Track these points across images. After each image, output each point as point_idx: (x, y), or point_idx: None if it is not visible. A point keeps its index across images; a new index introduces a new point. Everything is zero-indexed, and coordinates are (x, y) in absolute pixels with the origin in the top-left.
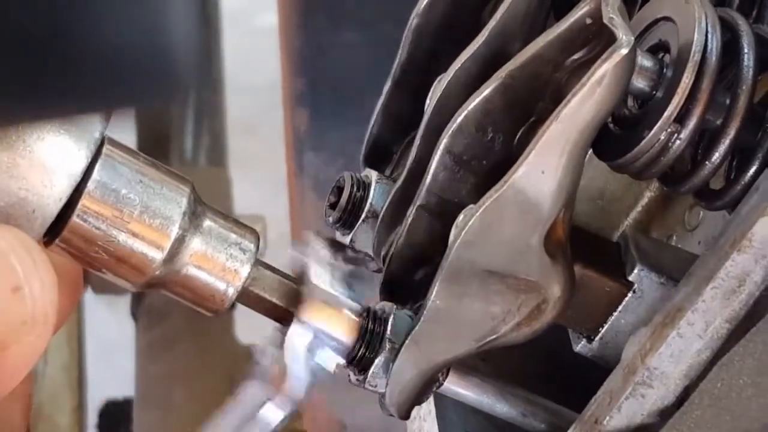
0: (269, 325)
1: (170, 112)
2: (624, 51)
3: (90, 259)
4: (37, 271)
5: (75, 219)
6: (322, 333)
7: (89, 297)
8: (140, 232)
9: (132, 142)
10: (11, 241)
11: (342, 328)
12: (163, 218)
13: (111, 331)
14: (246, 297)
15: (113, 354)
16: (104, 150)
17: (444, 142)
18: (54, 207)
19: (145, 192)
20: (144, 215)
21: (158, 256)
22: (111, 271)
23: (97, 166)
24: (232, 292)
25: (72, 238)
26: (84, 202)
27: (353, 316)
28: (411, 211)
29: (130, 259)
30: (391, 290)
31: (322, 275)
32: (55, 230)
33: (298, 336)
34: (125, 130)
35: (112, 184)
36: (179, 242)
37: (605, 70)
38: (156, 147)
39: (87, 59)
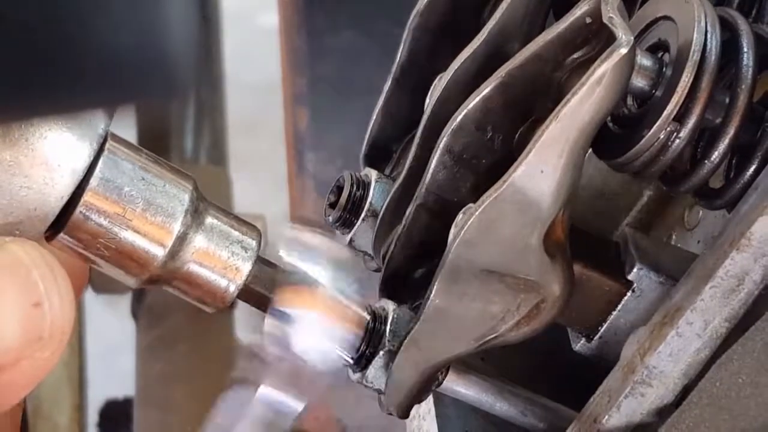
0: None
1: (170, 112)
2: (623, 50)
3: (92, 255)
4: (57, 288)
5: (77, 215)
6: (314, 322)
7: (89, 297)
8: (142, 228)
9: (132, 141)
10: (33, 255)
11: (344, 320)
12: (165, 215)
13: (111, 331)
14: (247, 294)
15: (113, 353)
16: (107, 146)
17: (443, 141)
18: (56, 204)
19: (147, 189)
20: (146, 212)
21: (160, 252)
22: (112, 268)
23: (100, 163)
24: (233, 289)
25: (74, 234)
26: (86, 198)
27: (355, 309)
28: (410, 210)
29: (132, 256)
30: (391, 288)
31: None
32: (57, 226)
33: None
34: (126, 130)
35: (114, 181)
36: (181, 239)
37: (605, 69)
38: (156, 146)
39: (86, 58)
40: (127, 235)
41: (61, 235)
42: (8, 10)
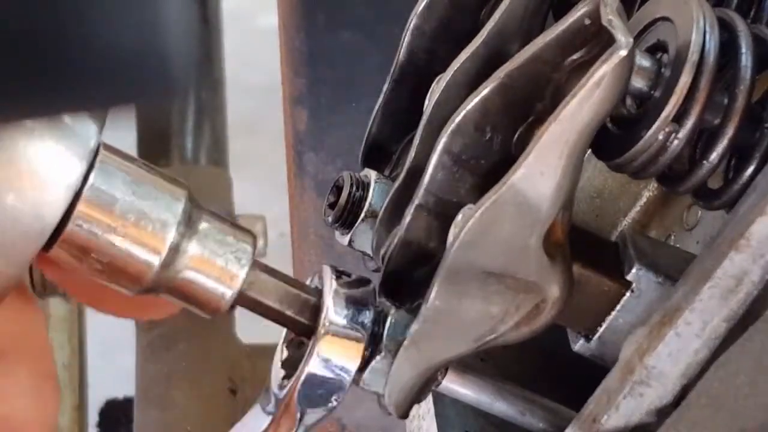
0: (269, 326)
1: (170, 112)
2: (623, 53)
3: (86, 265)
4: None
5: (71, 227)
6: (338, 368)
7: None
8: (136, 238)
9: (132, 141)
10: None
11: (356, 357)
12: (159, 224)
13: (111, 331)
14: (244, 300)
15: (114, 353)
16: (99, 156)
17: (442, 141)
18: (52, 219)
19: (140, 198)
20: (140, 222)
21: (155, 262)
22: (108, 278)
23: (93, 174)
24: (229, 295)
25: (68, 246)
26: (80, 209)
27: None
28: (409, 211)
29: (127, 266)
30: (390, 289)
31: (338, 307)
32: (52, 239)
33: (316, 369)
34: (126, 130)
35: (107, 191)
36: (176, 248)
37: (604, 71)
38: (156, 147)
39: (86, 58)
40: (122, 246)
41: (55, 247)
42: (7, 10)
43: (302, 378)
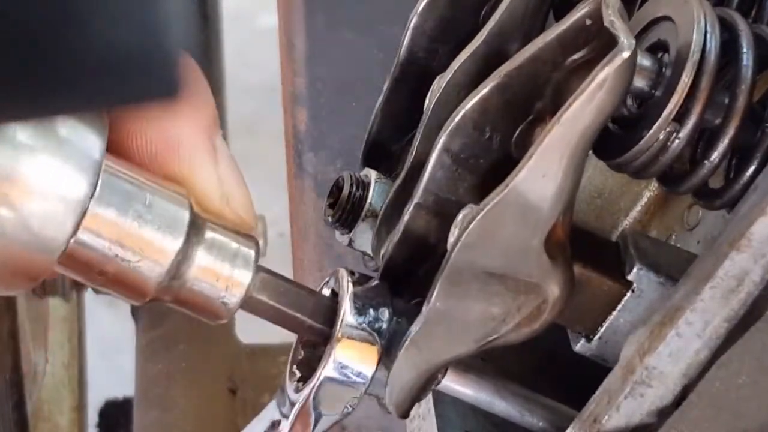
0: (269, 326)
1: None
2: (625, 54)
3: (93, 276)
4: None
5: (76, 240)
6: (354, 373)
7: (89, 297)
8: (141, 248)
9: None
10: None
11: (372, 362)
12: (164, 234)
13: (111, 331)
14: (249, 305)
15: (113, 353)
16: (104, 168)
17: (442, 140)
18: (61, 236)
19: (145, 209)
20: (145, 232)
21: (160, 271)
22: (114, 288)
23: (98, 186)
24: (234, 301)
25: (74, 258)
26: (84, 222)
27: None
28: (408, 209)
29: (132, 278)
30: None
31: (353, 311)
32: None
33: (331, 375)
34: None
35: (111, 203)
36: (181, 257)
37: (606, 74)
38: None
39: (86, 58)
40: (127, 257)
41: (61, 260)
42: (7, 9)
43: (318, 383)
